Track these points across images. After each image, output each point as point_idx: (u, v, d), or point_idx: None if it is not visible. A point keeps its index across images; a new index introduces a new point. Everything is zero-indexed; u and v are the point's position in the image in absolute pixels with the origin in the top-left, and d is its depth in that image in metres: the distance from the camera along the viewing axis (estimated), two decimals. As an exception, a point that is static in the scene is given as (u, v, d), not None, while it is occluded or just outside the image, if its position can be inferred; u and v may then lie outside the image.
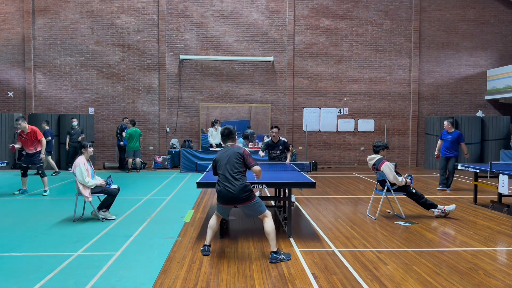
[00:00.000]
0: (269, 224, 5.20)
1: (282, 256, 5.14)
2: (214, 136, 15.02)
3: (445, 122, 10.65)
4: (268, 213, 5.29)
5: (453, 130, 10.58)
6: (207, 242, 5.45)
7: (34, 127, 9.82)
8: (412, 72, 16.68)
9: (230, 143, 5.48)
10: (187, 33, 16.22)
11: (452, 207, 7.61)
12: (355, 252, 5.51)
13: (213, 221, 5.47)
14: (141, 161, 14.86)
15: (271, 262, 5.05)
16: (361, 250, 5.62)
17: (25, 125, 9.63)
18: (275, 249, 5.14)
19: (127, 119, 15.08)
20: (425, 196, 7.55)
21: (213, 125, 15.12)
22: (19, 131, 9.78)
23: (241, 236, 6.32)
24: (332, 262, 5.09)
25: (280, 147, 9.11)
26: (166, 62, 16.19)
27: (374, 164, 7.51)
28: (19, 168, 10.36)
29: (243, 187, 5.16)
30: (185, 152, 14.41)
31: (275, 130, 9.16)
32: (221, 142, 5.62)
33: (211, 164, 5.61)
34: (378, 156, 7.49)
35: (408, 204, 8.61)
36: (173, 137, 16.30)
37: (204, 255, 5.35)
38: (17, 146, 9.91)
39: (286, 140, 9.37)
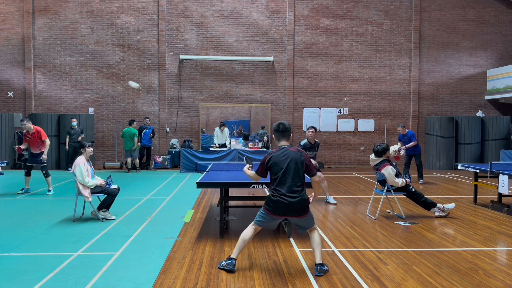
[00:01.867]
0: (316, 236, 4.76)
1: (326, 268, 4.72)
2: (219, 137, 15.05)
3: (399, 128, 12.03)
4: (315, 226, 4.86)
5: (406, 131, 11.96)
6: (235, 255, 4.79)
7: (38, 128, 9.88)
8: (412, 72, 16.68)
9: (286, 143, 4.78)
10: (187, 33, 16.22)
11: (451, 205, 7.62)
12: (355, 252, 5.51)
13: (249, 234, 4.78)
14: (132, 161, 14.77)
15: (317, 275, 4.58)
16: (361, 250, 5.62)
17: (30, 125, 9.68)
18: (321, 261, 4.68)
19: (147, 119, 15.10)
20: (424, 196, 7.56)
21: (220, 126, 15.14)
22: (24, 131, 9.83)
23: (241, 236, 6.32)
24: (332, 262, 5.09)
25: (316, 149, 9.00)
26: (166, 62, 16.19)
27: (376, 165, 7.51)
28: (23, 168, 10.40)
29: (304, 199, 4.61)
30: (185, 152, 14.41)
31: (312, 130, 8.88)
32: (276, 140, 4.88)
33: (263, 164, 4.73)
34: (381, 158, 7.49)
35: (408, 204, 8.61)
36: (173, 137, 16.30)
37: (227, 269, 4.74)
38: (23, 146, 9.96)
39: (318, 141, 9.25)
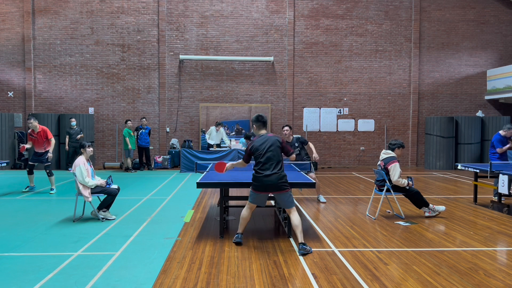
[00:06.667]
0: (296, 217, 5.51)
1: (309, 248, 5.41)
2: (213, 136, 14.98)
3: (509, 126, 9.29)
4: (294, 208, 5.62)
5: None
6: (240, 230, 5.83)
7: (44, 127, 9.99)
8: (412, 72, 16.68)
9: (264, 131, 5.78)
10: (187, 33, 16.22)
11: (441, 207, 7.62)
12: (355, 252, 5.51)
13: (246, 212, 5.79)
14: (132, 161, 14.79)
15: (300, 254, 5.32)
16: (361, 250, 5.62)
17: (36, 124, 9.78)
18: (303, 241, 5.41)
19: (144, 119, 15.09)
20: (422, 196, 7.56)
21: (216, 125, 15.10)
22: (29, 130, 9.88)
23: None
24: (332, 262, 5.09)
25: (296, 145, 8.92)
26: (166, 62, 16.19)
27: (384, 159, 7.47)
28: (25, 167, 10.45)
29: (282, 175, 5.49)
30: (185, 152, 14.41)
31: (286, 129, 8.89)
32: (257, 129, 5.85)
33: (247, 152, 5.76)
34: (392, 154, 7.46)
35: (408, 204, 8.59)
36: (173, 137, 16.30)
37: (235, 242, 5.74)
38: (27, 146, 9.98)
39: (299, 136, 9.30)
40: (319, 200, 9.15)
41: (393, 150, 7.54)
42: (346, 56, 16.61)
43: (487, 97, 16.89)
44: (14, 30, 15.89)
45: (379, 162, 7.67)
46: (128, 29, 16.10)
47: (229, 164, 6.14)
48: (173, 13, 16.17)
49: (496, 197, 9.28)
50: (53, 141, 10.01)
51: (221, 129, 15.14)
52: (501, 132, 9.34)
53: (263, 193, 5.59)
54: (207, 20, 16.23)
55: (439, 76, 16.90)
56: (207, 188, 9.74)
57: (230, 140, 15.13)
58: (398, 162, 7.38)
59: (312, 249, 5.51)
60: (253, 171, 5.64)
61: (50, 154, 9.92)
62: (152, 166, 15.53)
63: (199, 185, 6.04)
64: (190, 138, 16.26)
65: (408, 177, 7.45)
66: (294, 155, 5.75)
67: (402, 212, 7.51)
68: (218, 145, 14.89)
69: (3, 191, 10.32)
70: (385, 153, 7.57)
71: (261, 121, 5.78)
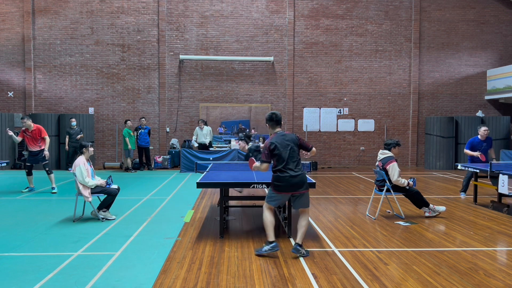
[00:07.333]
0: (306, 218, 5.36)
1: (304, 251, 5.27)
2: (200, 136, 14.77)
3: (484, 128, 9.40)
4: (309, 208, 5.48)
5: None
6: (271, 238, 5.27)
7: (38, 125, 10.04)
8: (412, 72, 16.68)
9: (279, 129, 5.48)
10: (187, 33, 16.22)
11: (442, 208, 7.61)
12: (355, 252, 5.51)
13: (269, 216, 5.34)
14: (132, 161, 14.80)
15: (292, 251, 5.28)
16: (361, 250, 5.62)
17: (30, 123, 9.84)
18: (300, 242, 5.29)
19: (143, 119, 15.06)
20: (422, 195, 7.56)
21: (198, 122, 14.95)
22: (23, 128, 9.91)
23: (241, 236, 6.33)
24: (332, 262, 5.09)
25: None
26: (166, 62, 16.19)
27: (381, 160, 7.46)
28: (24, 168, 10.46)
29: (304, 174, 5.34)
30: (185, 152, 14.40)
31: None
32: (270, 128, 5.51)
33: (266, 150, 5.31)
34: (389, 154, 7.44)
35: (408, 204, 8.59)
36: (173, 137, 16.30)
37: (276, 250, 5.27)
38: (18, 138, 10.00)
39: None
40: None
41: (389, 150, 7.53)
42: (346, 56, 16.61)
43: (487, 97, 16.89)
44: (14, 30, 15.89)
45: (377, 163, 7.67)
46: (128, 29, 16.10)
47: (256, 164, 5.57)
48: (173, 13, 16.17)
49: (462, 194, 9.75)
50: (47, 139, 10.00)
51: (205, 127, 14.88)
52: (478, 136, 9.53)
53: (286, 193, 5.29)
54: (207, 20, 16.23)
55: (439, 76, 16.90)
56: (207, 188, 9.74)
57: (231, 140, 15.03)
58: (396, 161, 7.38)
59: (309, 252, 5.37)
60: (274, 172, 5.31)
61: (46, 152, 9.92)
62: (152, 166, 15.53)
63: (199, 185, 6.04)
64: (190, 138, 16.25)
65: (410, 178, 7.42)
66: (314, 149, 5.45)
67: (402, 212, 7.51)
68: (205, 145, 14.64)
69: (3, 191, 10.32)
70: (382, 153, 7.56)
71: (274, 119, 5.42)
